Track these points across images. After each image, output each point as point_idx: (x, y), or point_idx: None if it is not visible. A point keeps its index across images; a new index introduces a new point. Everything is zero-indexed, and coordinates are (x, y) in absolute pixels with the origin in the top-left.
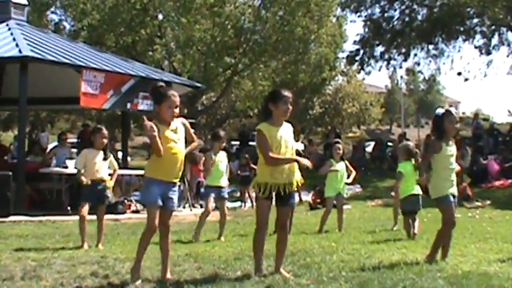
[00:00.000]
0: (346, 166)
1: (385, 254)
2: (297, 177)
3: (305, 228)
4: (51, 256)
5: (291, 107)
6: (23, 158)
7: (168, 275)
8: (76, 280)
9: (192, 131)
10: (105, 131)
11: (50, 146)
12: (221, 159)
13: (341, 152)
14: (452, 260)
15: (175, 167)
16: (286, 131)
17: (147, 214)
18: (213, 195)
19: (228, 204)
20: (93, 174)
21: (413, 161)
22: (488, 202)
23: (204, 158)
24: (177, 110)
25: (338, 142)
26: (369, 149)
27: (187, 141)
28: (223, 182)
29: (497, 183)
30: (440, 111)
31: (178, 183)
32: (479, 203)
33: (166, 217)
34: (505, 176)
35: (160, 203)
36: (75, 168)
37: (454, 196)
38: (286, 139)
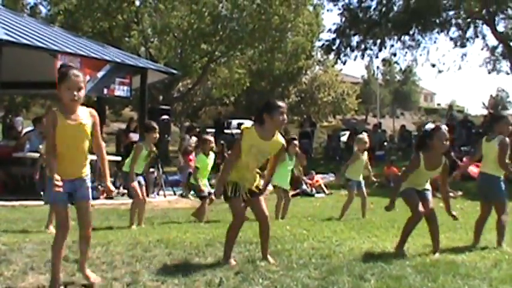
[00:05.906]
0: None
1: (356, 242)
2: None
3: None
4: (22, 240)
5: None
6: None
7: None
8: (46, 264)
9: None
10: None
11: (24, 131)
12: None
13: (297, 148)
14: (421, 249)
15: (74, 164)
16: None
17: (55, 214)
18: (136, 182)
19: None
20: None
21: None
22: (460, 193)
23: (137, 147)
24: (81, 94)
25: (294, 139)
26: (344, 138)
27: (90, 137)
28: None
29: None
30: (430, 126)
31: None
32: (451, 194)
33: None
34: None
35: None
36: None
37: (419, 189)
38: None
